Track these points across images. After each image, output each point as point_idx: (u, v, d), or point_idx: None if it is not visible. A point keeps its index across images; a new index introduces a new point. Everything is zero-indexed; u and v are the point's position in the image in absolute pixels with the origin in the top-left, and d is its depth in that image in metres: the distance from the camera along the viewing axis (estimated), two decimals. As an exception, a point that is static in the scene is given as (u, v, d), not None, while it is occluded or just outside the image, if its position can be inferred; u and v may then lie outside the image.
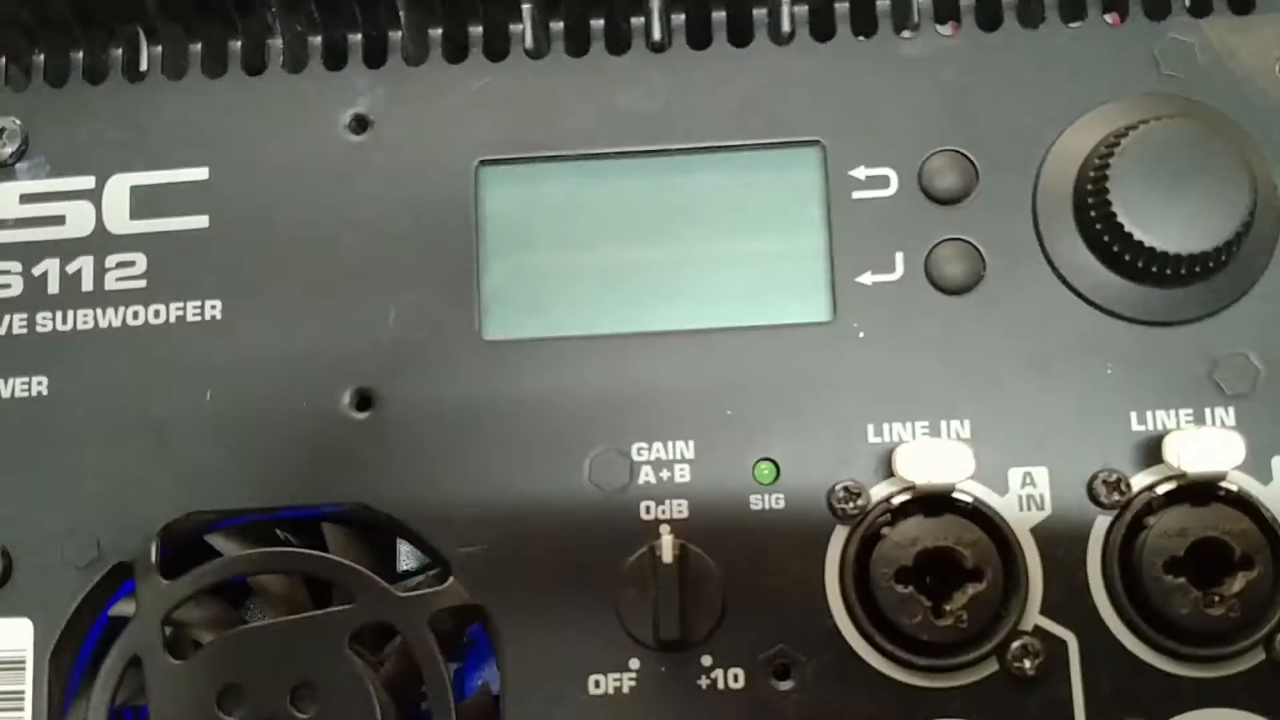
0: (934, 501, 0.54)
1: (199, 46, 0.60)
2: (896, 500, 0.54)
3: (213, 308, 0.58)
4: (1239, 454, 0.53)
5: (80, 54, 0.61)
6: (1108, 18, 0.58)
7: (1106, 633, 0.54)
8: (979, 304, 0.57)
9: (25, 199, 0.59)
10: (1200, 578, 0.53)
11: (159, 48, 0.60)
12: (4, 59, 0.60)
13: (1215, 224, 0.53)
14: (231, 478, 0.57)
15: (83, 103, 0.60)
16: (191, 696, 0.55)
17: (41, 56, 0.61)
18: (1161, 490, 0.54)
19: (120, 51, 0.60)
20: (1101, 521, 0.55)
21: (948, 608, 0.53)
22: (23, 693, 0.55)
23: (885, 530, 0.54)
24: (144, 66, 0.61)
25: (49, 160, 0.60)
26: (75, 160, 0.60)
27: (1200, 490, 0.53)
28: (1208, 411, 0.55)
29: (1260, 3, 0.58)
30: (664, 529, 0.55)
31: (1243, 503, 0.53)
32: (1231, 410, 0.55)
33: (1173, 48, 0.57)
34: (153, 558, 0.56)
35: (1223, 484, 0.53)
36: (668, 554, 0.53)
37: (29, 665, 0.55)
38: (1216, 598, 0.53)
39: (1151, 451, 0.55)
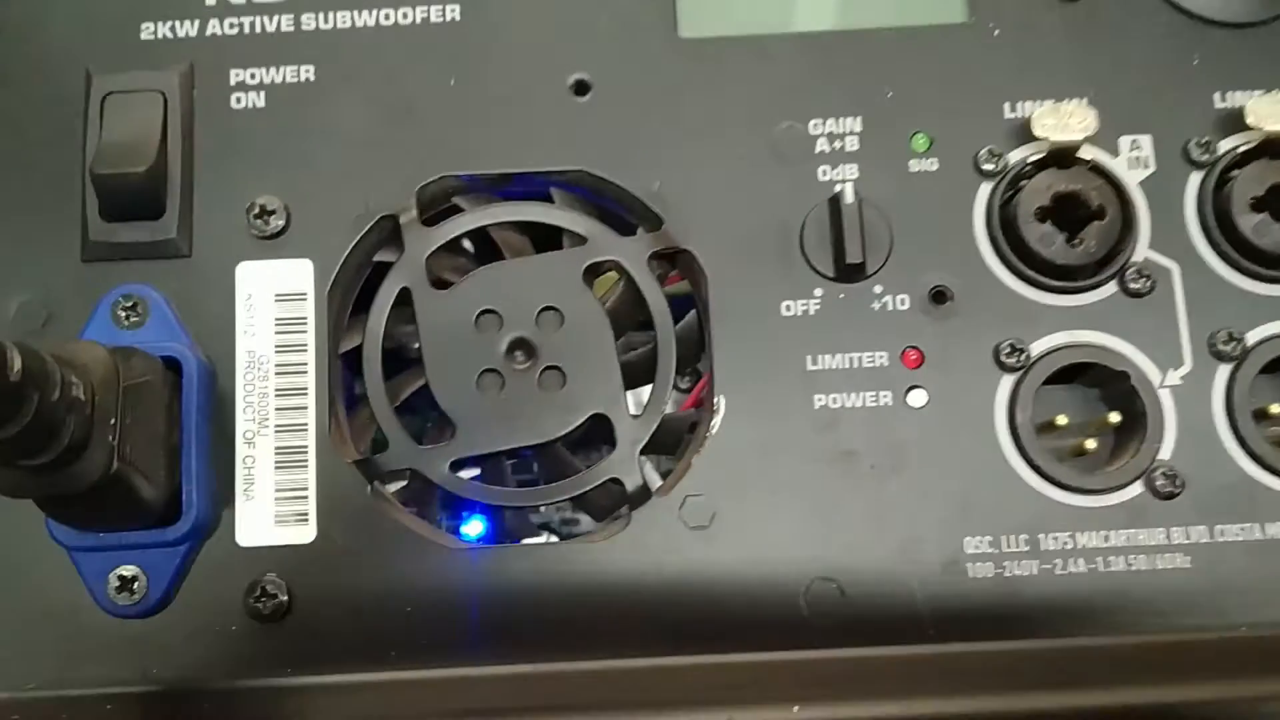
0: (1064, 157, 0.66)
1: None
2: (1033, 158, 0.66)
3: (452, 10, 0.69)
4: (1307, 114, 0.66)
5: None
6: None
7: (1202, 262, 0.66)
8: (1088, 11, 0.69)
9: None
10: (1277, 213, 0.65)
11: None
12: None
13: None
14: (474, 147, 0.67)
15: None
16: (453, 320, 0.65)
17: None
18: (1243, 149, 0.67)
19: None
20: (1195, 177, 0.67)
21: (1080, 237, 0.65)
22: (306, 319, 0.65)
23: (1024, 182, 0.66)
24: None
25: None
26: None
27: (1277, 146, 0.66)
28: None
29: None
30: (840, 186, 0.66)
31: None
32: (1289, 87, 0.68)
33: None
34: (414, 210, 0.66)
35: (1293, 142, 0.66)
36: (849, 196, 0.65)
37: (310, 297, 0.65)
38: (1289, 224, 0.66)
39: (1234, 120, 0.67)
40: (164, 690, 0.59)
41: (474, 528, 0.68)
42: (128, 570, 0.60)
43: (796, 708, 0.58)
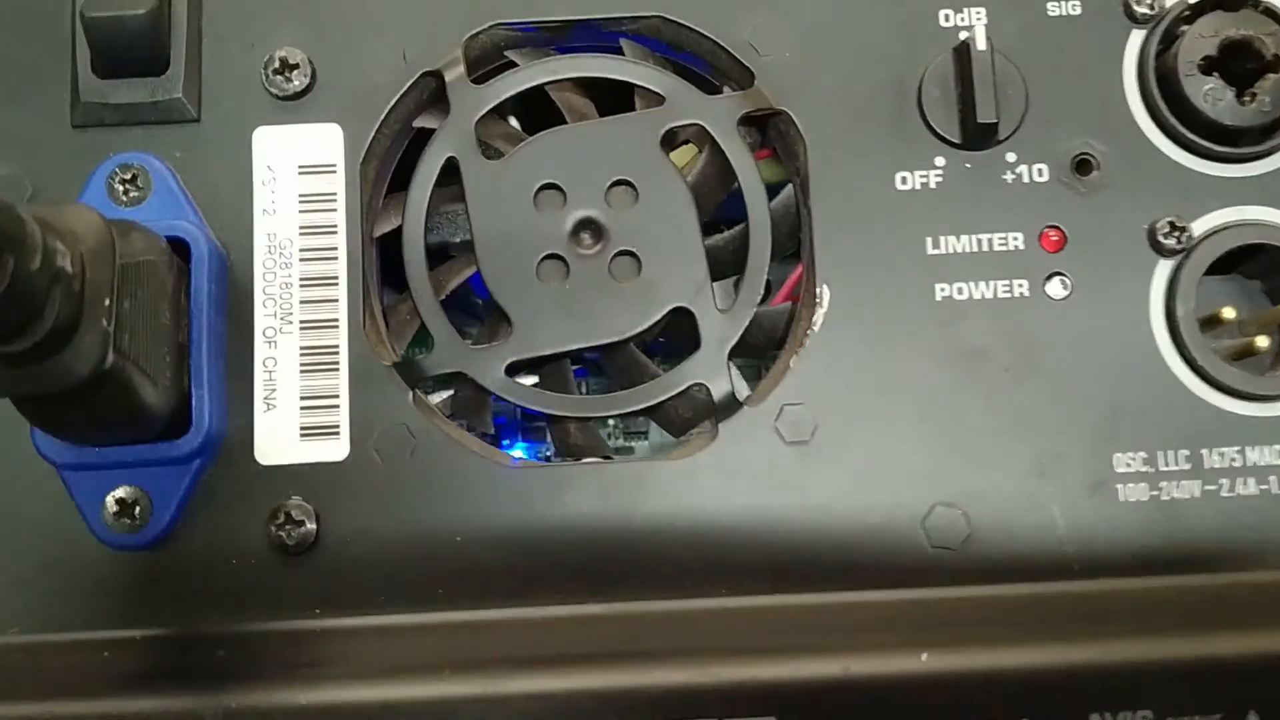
0: None
1: None
2: None
3: None
4: None
5: None
6: None
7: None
8: None
9: None
10: None
11: None
12: None
13: None
14: None
15: None
16: (509, 196, 0.55)
17: None
18: None
19: None
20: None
21: (1251, 92, 0.55)
22: (335, 195, 0.55)
23: (1184, 28, 0.55)
24: None
25: None
26: None
27: None
28: None
29: None
30: (967, 34, 0.55)
31: None
32: None
33: None
34: (461, 65, 0.56)
35: None
36: (981, 42, 0.55)
37: (339, 169, 0.55)
38: None
39: None
40: (170, 635, 0.50)
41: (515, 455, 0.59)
42: (127, 492, 0.52)
43: (925, 655, 0.48)
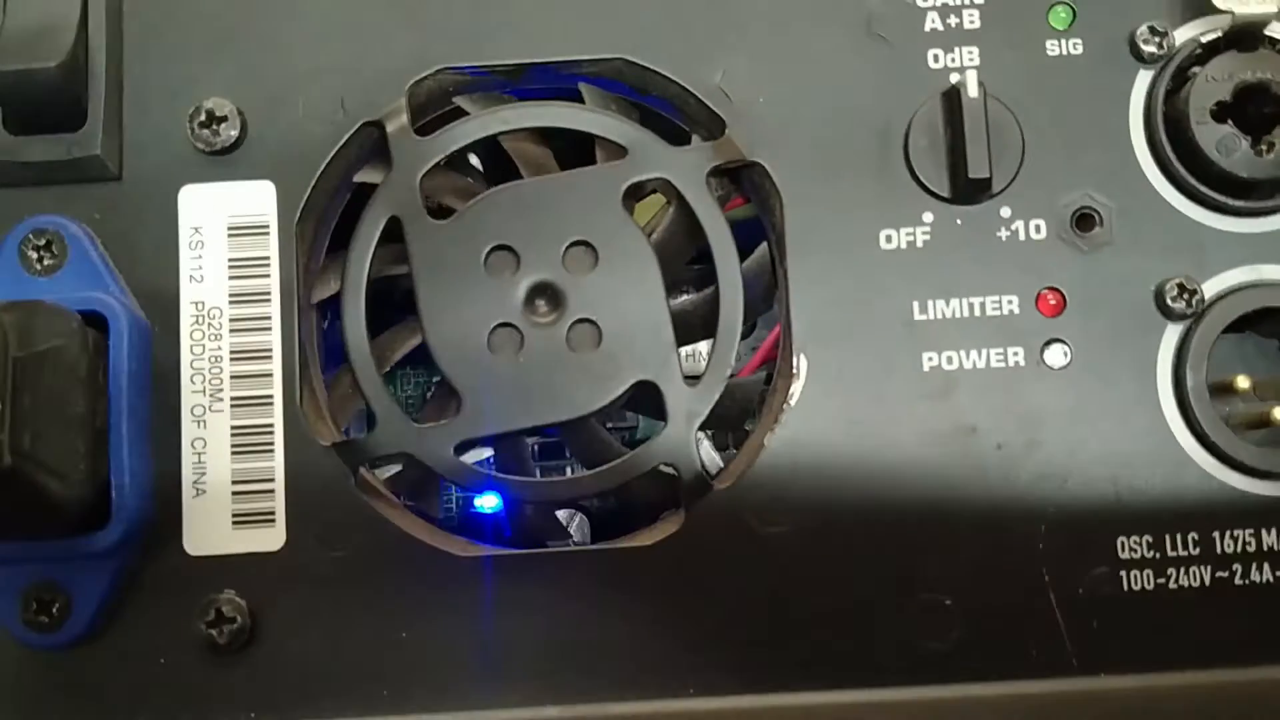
0: (1248, 35, 0.52)
1: None
2: (1207, 38, 0.53)
3: None
4: None
5: None
6: None
7: None
8: None
9: None
10: None
11: None
12: None
13: None
14: (481, 31, 0.54)
15: None
16: (457, 259, 0.52)
17: None
18: None
19: None
20: None
21: (1268, 141, 0.52)
22: (268, 259, 0.52)
23: (1195, 69, 0.52)
24: None
25: None
26: None
27: None
28: None
29: None
30: (957, 76, 0.52)
31: None
32: None
33: None
34: (405, 115, 0.52)
35: None
36: (973, 88, 0.51)
37: (273, 230, 0.52)
38: None
39: None
40: (92, 744, 0.48)
41: (488, 501, 0.56)
42: (44, 588, 0.49)
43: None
